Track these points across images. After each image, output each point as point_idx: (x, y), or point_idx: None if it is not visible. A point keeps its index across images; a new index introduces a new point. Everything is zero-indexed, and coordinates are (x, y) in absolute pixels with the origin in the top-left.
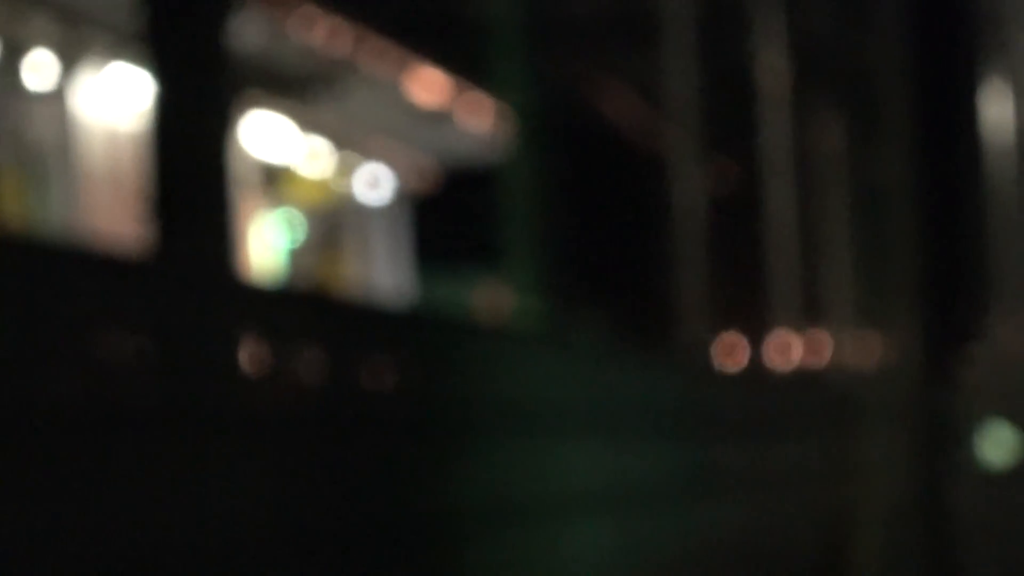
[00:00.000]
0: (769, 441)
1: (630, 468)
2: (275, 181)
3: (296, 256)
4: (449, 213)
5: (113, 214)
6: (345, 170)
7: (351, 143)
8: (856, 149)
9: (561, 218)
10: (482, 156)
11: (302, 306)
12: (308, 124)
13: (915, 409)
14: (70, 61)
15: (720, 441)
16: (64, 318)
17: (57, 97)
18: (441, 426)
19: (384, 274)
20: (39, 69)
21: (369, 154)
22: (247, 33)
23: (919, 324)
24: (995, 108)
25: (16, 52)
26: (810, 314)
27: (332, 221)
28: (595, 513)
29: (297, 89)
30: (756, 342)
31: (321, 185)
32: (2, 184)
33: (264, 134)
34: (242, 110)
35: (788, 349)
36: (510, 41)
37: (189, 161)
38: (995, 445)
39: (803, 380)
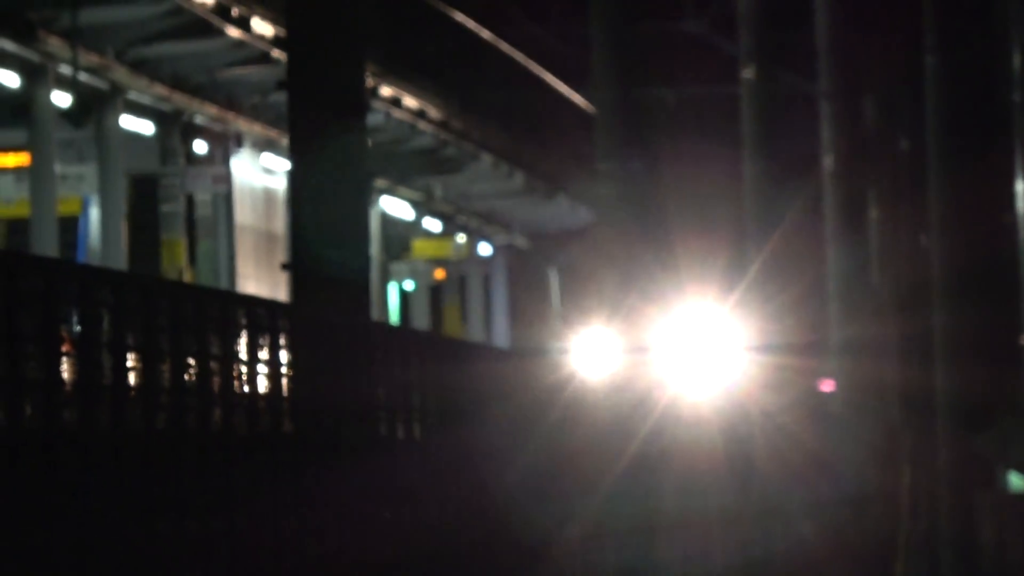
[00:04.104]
0: None
1: None
2: (407, 238)
3: (419, 298)
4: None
5: (262, 262)
6: (463, 231)
7: (468, 209)
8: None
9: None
10: (569, 223)
11: (419, 343)
12: (435, 194)
13: (961, 448)
14: (233, 142)
15: None
16: (215, 354)
17: (221, 170)
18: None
19: (490, 311)
20: (205, 148)
21: (482, 219)
22: (385, 123)
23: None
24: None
25: (190, 133)
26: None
27: (453, 270)
28: None
29: (425, 169)
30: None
31: (443, 243)
32: (172, 246)
33: (398, 202)
34: (376, 183)
35: None
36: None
37: (328, 222)
38: (1017, 477)
39: None
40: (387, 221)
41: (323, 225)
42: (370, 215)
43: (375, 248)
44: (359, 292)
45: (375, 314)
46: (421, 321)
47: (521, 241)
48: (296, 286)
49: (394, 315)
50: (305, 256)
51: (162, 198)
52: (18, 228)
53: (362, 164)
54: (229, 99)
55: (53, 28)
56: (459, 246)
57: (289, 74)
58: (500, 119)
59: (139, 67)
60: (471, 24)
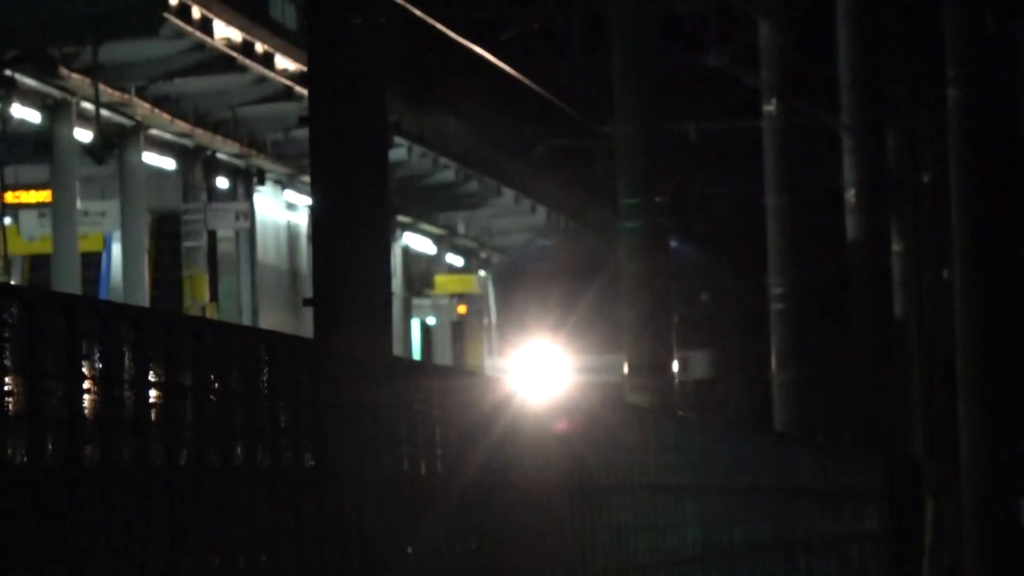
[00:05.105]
0: None
1: None
2: (428, 275)
3: (441, 332)
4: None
5: (282, 296)
6: (485, 266)
7: (490, 244)
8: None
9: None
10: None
11: (438, 377)
12: (457, 230)
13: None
14: (252, 176)
15: None
16: (238, 392)
17: (243, 206)
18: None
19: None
20: (227, 185)
21: (504, 254)
22: (408, 158)
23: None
24: None
25: (212, 169)
26: None
27: (475, 305)
28: None
29: (447, 204)
30: None
31: (466, 278)
32: (195, 282)
33: (418, 239)
34: (396, 220)
35: None
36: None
37: (351, 257)
38: None
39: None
40: (410, 256)
41: (345, 260)
42: (392, 250)
43: (397, 284)
44: (380, 327)
45: (397, 349)
46: (443, 355)
47: None
48: (319, 321)
49: (416, 350)
50: (327, 291)
51: (184, 234)
52: (40, 264)
53: (384, 199)
54: (251, 135)
55: (75, 64)
56: (482, 280)
57: (311, 109)
58: (522, 154)
59: (161, 103)
60: (493, 59)
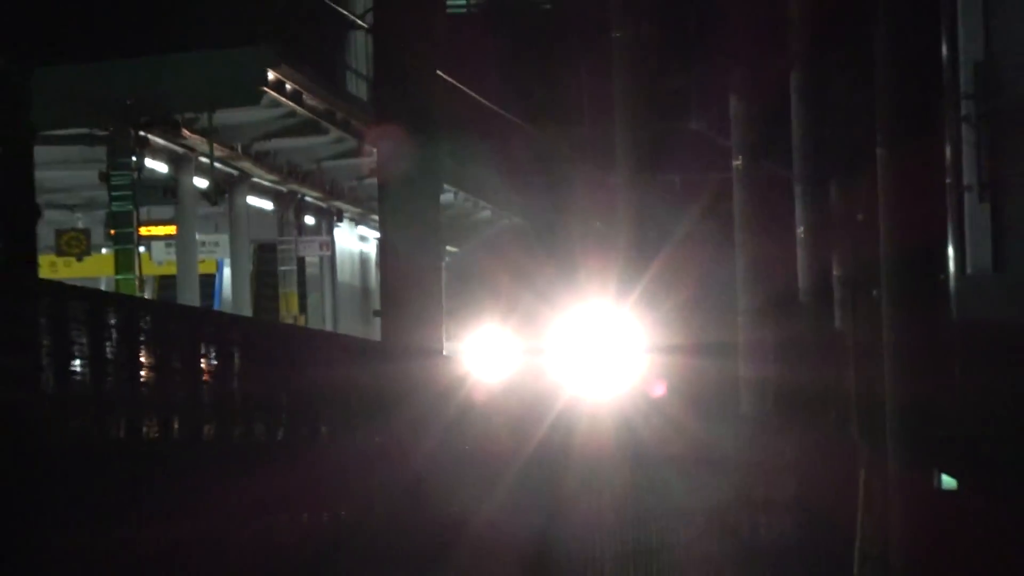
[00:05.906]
0: None
1: None
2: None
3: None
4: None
5: (357, 309)
6: None
7: None
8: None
9: None
10: None
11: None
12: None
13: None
14: (333, 215)
15: None
16: (321, 386)
17: (326, 238)
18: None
19: None
20: (313, 222)
21: None
22: (454, 201)
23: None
24: None
25: (301, 209)
26: None
27: None
28: None
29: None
30: None
31: None
32: (288, 298)
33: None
34: (445, 249)
35: None
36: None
37: (410, 278)
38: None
39: None
40: None
41: (406, 281)
42: (442, 272)
43: (445, 299)
44: (433, 332)
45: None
46: None
47: None
48: (385, 328)
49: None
50: (392, 304)
51: (280, 260)
52: (167, 284)
53: (436, 233)
54: (332, 183)
55: (194, 127)
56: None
57: (379, 164)
58: (544, 197)
59: (261, 158)
60: (525, 125)
